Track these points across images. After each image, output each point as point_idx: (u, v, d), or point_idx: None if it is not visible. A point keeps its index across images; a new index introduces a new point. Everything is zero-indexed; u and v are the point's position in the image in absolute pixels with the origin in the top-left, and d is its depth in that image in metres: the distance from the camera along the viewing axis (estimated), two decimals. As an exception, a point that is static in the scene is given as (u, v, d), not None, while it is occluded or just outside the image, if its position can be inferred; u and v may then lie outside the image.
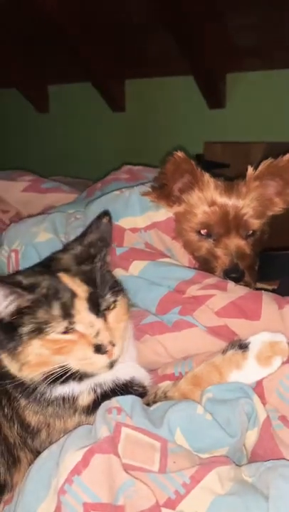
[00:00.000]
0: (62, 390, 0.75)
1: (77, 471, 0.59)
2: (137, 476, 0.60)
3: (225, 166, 2.46)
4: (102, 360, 0.72)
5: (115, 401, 0.71)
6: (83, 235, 0.89)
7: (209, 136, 2.56)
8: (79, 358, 0.71)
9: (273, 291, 1.19)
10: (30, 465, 0.71)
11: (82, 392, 0.76)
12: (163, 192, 1.09)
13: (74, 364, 0.72)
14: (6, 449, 0.75)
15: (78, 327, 0.71)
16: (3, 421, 0.76)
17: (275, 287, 1.20)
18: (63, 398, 0.75)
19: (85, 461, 0.59)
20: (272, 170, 1.08)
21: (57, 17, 2.44)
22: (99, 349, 0.71)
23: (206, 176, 1.09)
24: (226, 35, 2.31)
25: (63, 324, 0.71)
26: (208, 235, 1.08)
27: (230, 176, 2.31)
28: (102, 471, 0.59)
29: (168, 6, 2.15)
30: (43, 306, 0.71)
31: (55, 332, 0.70)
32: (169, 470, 0.63)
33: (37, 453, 0.73)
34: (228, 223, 1.07)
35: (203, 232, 1.08)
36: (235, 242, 1.07)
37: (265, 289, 1.12)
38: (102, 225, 0.88)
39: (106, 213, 0.90)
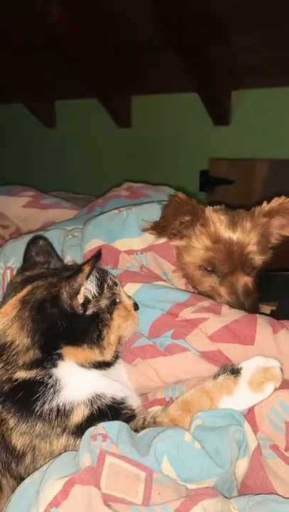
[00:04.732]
0: (64, 396, 0.75)
1: (55, 503, 0.57)
2: (118, 509, 0.58)
3: (229, 182, 2.46)
4: (138, 314, 0.91)
5: (101, 427, 0.70)
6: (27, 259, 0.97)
7: (214, 153, 2.57)
8: (133, 317, 0.88)
9: (272, 312, 1.17)
10: (12, 492, 0.69)
11: (80, 404, 0.75)
12: (164, 230, 1.07)
13: (129, 330, 0.88)
14: None
15: (122, 296, 0.89)
16: None
17: (274, 308, 1.19)
18: (58, 410, 0.74)
19: (64, 492, 0.58)
20: (284, 208, 1.07)
21: (65, 34, 2.48)
22: (136, 306, 0.91)
23: (208, 211, 1.07)
24: (231, 54, 2.33)
25: (120, 291, 0.88)
26: (212, 271, 1.06)
27: (235, 193, 2.33)
28: (82, 504, 0.57)
29: (174, 26, 2.18)
30: (102, 285, 0.84)
31: (123, 297, 0.88)
32: (153, 502, 0.61)
33: (20, 479, 0.71)
34: (234, 261, 1.04)
35: (207, 268, 1.06)
36: (241, 280, 1.04)
37: (263, 313, 1.10)
38: (43, 246, 0.98)
39: (40, 237, 1.01)
